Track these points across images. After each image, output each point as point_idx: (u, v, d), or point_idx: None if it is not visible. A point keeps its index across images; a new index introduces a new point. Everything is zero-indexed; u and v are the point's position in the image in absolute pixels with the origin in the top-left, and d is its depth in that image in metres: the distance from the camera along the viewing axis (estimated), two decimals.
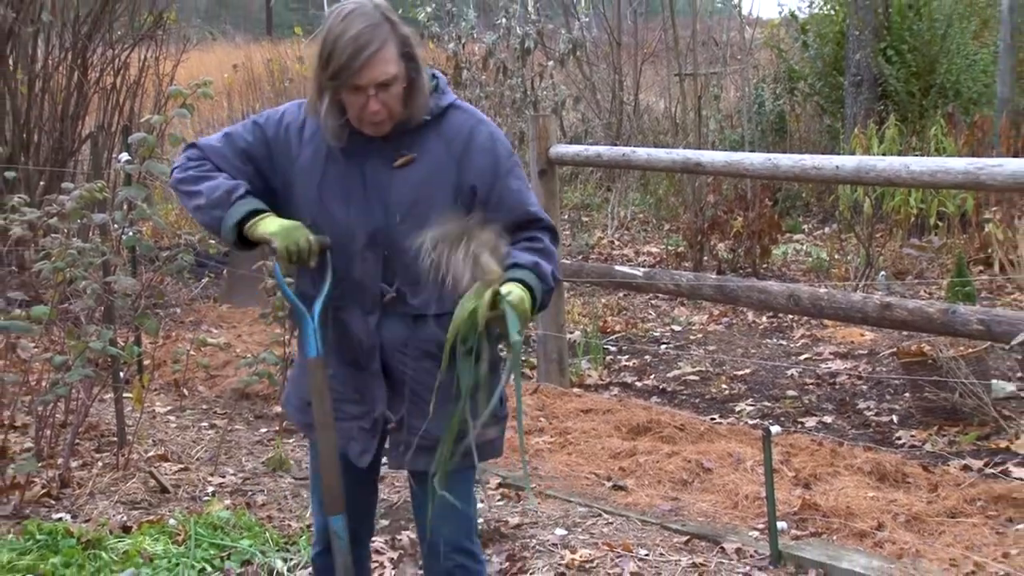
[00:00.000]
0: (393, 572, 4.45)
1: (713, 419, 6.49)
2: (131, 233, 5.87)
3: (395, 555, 4.61)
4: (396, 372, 3.20)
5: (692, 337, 8.57)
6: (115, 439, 5.98)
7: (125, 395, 6.20)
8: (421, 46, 3.20)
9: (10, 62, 9.82)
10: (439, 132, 3.17)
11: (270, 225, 3.09)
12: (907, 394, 6.76)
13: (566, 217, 11.87)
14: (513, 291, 2.97)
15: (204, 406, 6.96)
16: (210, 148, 3.25)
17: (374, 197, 3.15)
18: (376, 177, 3.15)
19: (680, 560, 4.49)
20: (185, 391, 7.22)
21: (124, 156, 5.89)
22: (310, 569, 4.40)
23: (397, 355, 3.19)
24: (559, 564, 4.46)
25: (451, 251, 2.96)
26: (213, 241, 10.67)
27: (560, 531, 4.84)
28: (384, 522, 4.99)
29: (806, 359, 7.80)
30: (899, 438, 6.18)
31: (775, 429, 5.05)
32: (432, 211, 3.07)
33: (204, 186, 3.16)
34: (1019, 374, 6.32)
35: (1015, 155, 10.20)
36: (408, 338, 3.18)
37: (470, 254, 2.95)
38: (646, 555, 4.54)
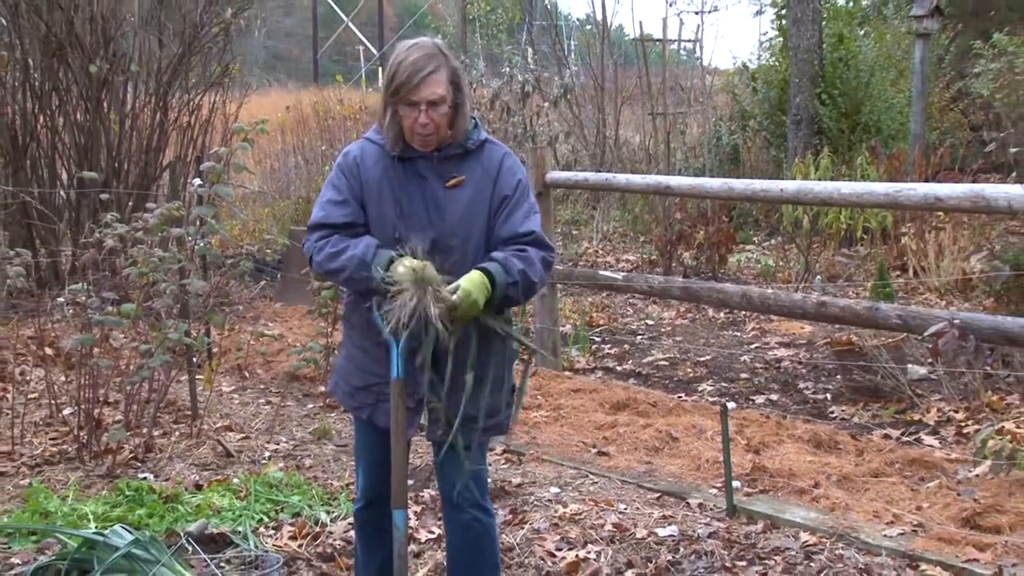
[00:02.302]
0: (416, 523, 4.44)
1: (680, 397, 6.48)
2: (202, 244, 5.86)
3: (418, 509, 4.61)
4: (440, 360, 3.17)
5: (662, 330, 8.56)
6: (189, 413, 5.99)
7: (197, 377, 6.20)
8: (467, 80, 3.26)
9: (105, 105, 9.82)
10: (479, 160, 3.26)
11: (405, 263, 3.06)
12: (839, 376, 6.76)
13: (559, 231, 11.84)
14: (464, 280, 3.04)
15: (262, 386, 6.96)
16: (329, 216, 3.24)
17: (433, 211, 3.20)
18: (434, 195, 3.21)
19: (653, 513, 4.49)
20: (246, 374, 7.22)
21: (197, 181, 5.88)
22: (350, 519, 4.42)
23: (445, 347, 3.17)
24: (553, 516, 4.45)
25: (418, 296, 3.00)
26: (269, 250, 10.71)
27: (554, 489, 4.83)
28: (409, 482, 4.97)
29: (756, 347, 7.79)
30: (832, 412, 6.18)
31: (731, 405, 5.05)
32: (475, 222, 3.19)
33: (342, 260, 3.15)
34: (930, 360, 6.31)
35: (926, 180, 10.19)
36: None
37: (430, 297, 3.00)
38: (625, 509, 4.53)
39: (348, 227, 3.22)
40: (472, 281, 3.05)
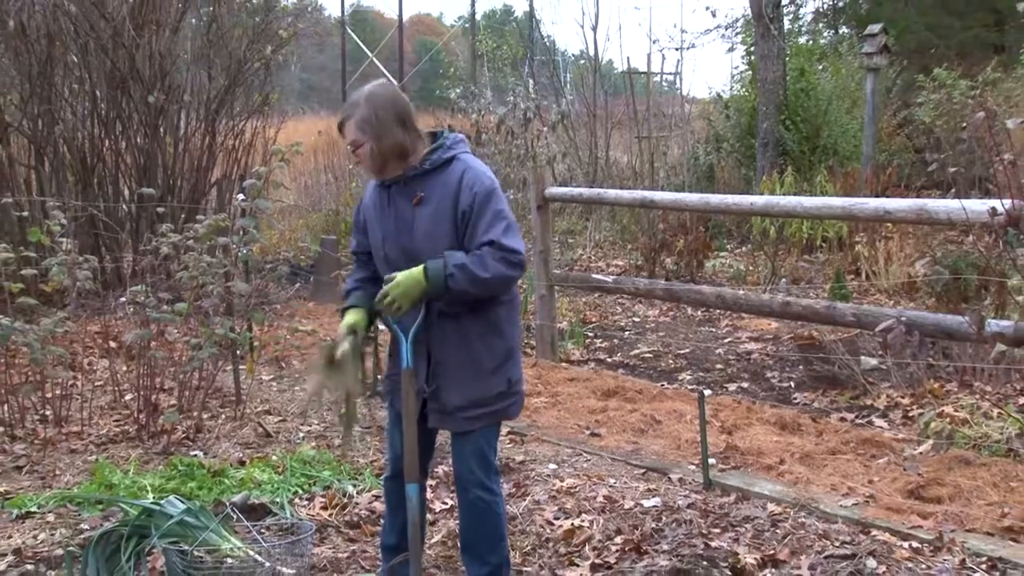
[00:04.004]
0: (432, 495, 4.43)
1: (663, 385, 6.47)
2: (245, 251, 5.86)
3: (434, 483, 4.60)
4: (433, 354, 3.19)
5: (647, 326, 8.56)
6: (234, 398, 5.98)
7: (240, 367, 6.20)
8: (382, 125, 3.14)
9: (161, 130, 9.84)
10: (442, 177, 3.17)
11: (347, 317, 3.25)
12: (801, 367, 6.75)
13: (556, 239, 11.81)
14: (399, 273, 3.07)
15: (296, 375, 6.95)
16: (354, 246, 3.43)
17: (403, 227, 3.18)
18: (403, 213, 3.19)
19: (639, 487, 4.48)
20: (283, 364, 7.22)
21: (240, 196, 5.89)
22: (374, 492, 4.42)
23: (433, 341, 3.18)
24: (552, 489, 4.45)
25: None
26: (303, 257, 10.69)
27: (552, 466, 4.82)
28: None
29: (729, 341, 7.78)
30: (795, 398, 6.17)
31: (707, 392, 5.04)
32: (439, 235, 3.11)
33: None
34: (880, 352, 6.31)
35: (876, 196, 10.18)
36: (436, 329, 3.17)
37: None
38: (614, 483, 4.53)
39: (362, 252, 3.39)
40: (406, 274, 3.05)
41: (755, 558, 3.62)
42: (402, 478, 3.29)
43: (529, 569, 3.69)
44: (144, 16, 9.66)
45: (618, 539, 3.89)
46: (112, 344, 6.66)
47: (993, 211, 4.54)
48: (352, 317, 3.24)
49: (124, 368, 6.30)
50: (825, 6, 21.46)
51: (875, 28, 12.86)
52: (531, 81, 15.94)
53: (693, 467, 4.72)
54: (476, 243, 3.08)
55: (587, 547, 3.85)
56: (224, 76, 10.19)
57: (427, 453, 3.40)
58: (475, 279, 3.04)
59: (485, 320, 3.19)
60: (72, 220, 9.17)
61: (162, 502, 3.84)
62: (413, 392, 3.13)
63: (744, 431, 5.19)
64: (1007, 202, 4.53)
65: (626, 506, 4.19)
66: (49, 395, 5.66)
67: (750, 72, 15.01)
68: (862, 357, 6.55)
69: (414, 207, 3.16)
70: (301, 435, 5.50)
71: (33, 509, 4.39)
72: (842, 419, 5.54)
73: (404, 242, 3.17)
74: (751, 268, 10.29)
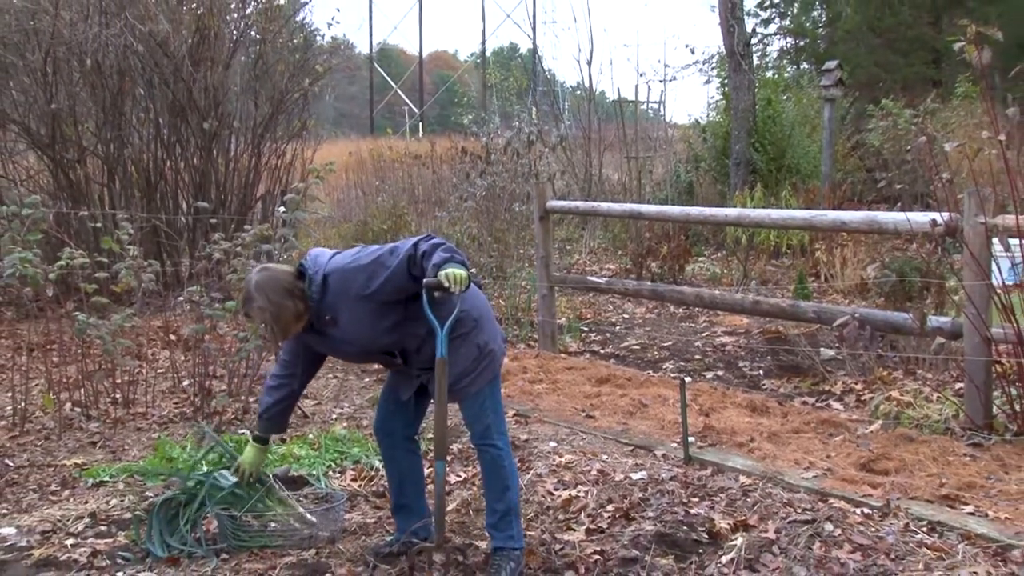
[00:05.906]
0: (447, 468, 4.43)
1: (649, 373, 6.46)
2: (285, 256, 5.88)
3: (449, 458, 4.60)
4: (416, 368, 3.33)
5: (636, 322, 8.55)
6: None
7: None
8: (276, 306, 3.17)
9: (214, 152, 9.87)
10: (331, 296, 3.19)
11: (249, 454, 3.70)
12: (769, 357, 6.75)
13: (556, 246, 11.78)
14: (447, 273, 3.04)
15: (329, 363, 6.95)
16: (280, 368, 3.59)
17: (343, 344, 3.25)
18: (333, 336, 3.24)
19: (628, 461, 4.48)
20: None
21: (281, 209, 5.90)
22: None
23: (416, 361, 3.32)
24: (552, 464, 4.45)
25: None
26: None
27: (552, 443, 4.82)
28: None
29: (706, 335, 7.77)
30: (764, 385, 6.16)
31: (687, 379, 5.02)
32: (372, 325, 3.18)
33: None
34: (837, 345, 6.30)
35: (834, 209, 10.16)
36: (416, 359, 3.30)
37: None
38: (606, 459, 4.53)
39: (285, 372, 3.49)
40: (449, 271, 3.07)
41: (728, 523, 3.63)
42: (383, 435, 3.53)
43: (532, 533, 3.69)
44: (200, 54, 9.69)
45: (610, 507, 3.89)
46: (172, 337, 6.68)
47: (933, 223, 4.54)
48: (251, 455, 3.60)
49: (182, 358, 6.32)
50: (789, 45, 21.49)
51: (832, 64, 12.89)
52: (534, 108, 15.93)
53: (675, 444, 4.72)
54: (415, 259, 3.12)
55: (583, 514, 3.85)
56: (268, 105, 10.21)
57: (416, 421, 3.56)
58: (453, 250, 3.12)
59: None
60: (138, 230, 9.18)
61: (215, 474, 3.85)
62: (445, 380, 3.17)
63: (719, 413, 5.19)
64: (945, 215, 4.53)
65: (617, 478, 4.19)
66: (119, 381, 5.68)
67: (724, 101, 14.98)
68: (821, 349, 6.55)
69: (333, 329, 3.22)
70: (334, 416, 5.51)
71: (105, 479, 4.41)
72: (804, 403, 5.54)
73: (352, 350, 3.28)
74: (725, 271, 10.27)
